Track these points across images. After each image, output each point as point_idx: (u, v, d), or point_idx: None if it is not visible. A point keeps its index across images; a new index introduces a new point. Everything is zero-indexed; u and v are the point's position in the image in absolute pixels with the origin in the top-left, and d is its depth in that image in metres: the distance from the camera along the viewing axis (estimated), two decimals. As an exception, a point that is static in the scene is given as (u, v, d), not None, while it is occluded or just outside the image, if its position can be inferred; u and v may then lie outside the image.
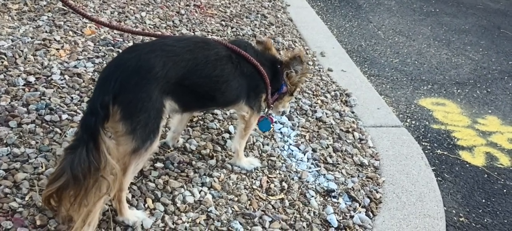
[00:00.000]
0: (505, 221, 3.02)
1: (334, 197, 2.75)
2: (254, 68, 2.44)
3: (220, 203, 2.49)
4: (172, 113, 2.27)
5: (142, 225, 2.22)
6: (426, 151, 3.63)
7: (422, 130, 3.98)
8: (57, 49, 3.41)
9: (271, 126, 2.82)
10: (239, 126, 2.69)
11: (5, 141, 2.50)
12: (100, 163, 1.87)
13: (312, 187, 2.78)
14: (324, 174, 2.92)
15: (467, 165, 3.57)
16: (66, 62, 3.29)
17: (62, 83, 3.06)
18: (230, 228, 2.35)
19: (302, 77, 2.72)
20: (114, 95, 1.92)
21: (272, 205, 2.57)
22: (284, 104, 2.84)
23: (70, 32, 3.68)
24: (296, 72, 2.64)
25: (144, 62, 2.01)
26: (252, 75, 2.45)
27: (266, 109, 2.70)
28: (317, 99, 3.76)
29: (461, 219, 2.99)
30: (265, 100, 2.64)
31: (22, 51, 3.25)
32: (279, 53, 2.83)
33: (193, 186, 2.56)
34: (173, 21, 4.41)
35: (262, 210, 2.52)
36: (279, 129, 3.26)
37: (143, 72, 1.99)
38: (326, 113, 3.58)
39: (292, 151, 3.08)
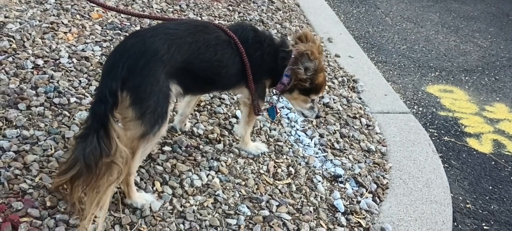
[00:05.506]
0: (512, 208, 3.03)
1: (341, 182, 2.75)
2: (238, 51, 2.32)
3: (228, 187, 2.50)
4: (177, 97, 2.27)
5: (150, 207, 2.24)
6: (433, 138, 3.62)
7: (429, 116, 3.96)
8: (64, 32, 3.41)
9: (276, 114, 2.78)
10: (243, 112, 2.68)
11: (14, 123, 2.52)
12: (111, 149, 1.88)
13: (319, 172, 2.79)
14: (331, 160, 2.92)
15: (475, 152, 3.56)
16: (74, 45, 3.29)
17: (70, 67, 3.06)
18: (237, 211, 2.37)
19: (318, 75, 2.45)
20: (123, 81, 1.91)
21: (279, 190, 2.58)
22: (300, 102, 2.59)
23: (78, 16, 3.67)
24: (306, 70, 2.39)
25: (149, 46, 2.00)
26: None
27: (277, 97, 2.69)
28: (324, 85, 3.75)
29: (468, 206, 2.99)
30: (270, 87, 2.60)
31: (30, 34, 3.25)
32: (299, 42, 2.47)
33: (200, 169, 2.57)
34: (180, 6, 4.38)
35: (269, 195, 2.53)
36: (286, 114, 3.26)
37: (149, 56, 1.98)
38: (334, 99, 3.57)
39: (299, 136, 3.08)
